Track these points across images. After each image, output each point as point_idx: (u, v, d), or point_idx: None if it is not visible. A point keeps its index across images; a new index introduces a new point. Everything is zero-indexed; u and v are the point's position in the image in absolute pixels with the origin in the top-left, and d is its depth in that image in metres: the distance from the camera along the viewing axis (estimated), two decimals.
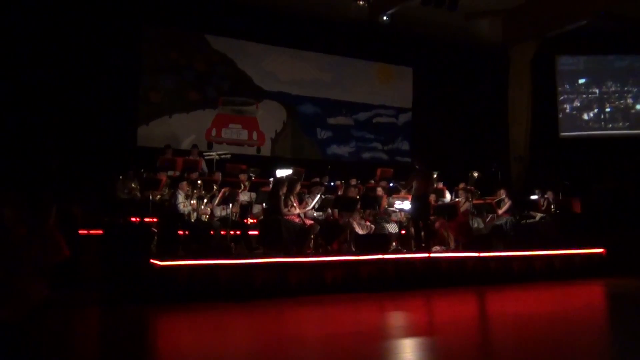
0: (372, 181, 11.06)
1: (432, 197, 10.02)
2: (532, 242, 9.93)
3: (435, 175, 10.29)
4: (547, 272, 9.64)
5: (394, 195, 10.05)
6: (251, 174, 10.04)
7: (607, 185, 14.12)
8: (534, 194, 11.41)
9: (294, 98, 13.88)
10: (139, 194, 9.13)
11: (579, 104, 15.91)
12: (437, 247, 9.37)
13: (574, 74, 15.94)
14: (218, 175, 9.90)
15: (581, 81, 15.90)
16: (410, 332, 5.85)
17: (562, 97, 15.89)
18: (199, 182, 8.54)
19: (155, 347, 5.32)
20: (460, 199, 10.47)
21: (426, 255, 8.69)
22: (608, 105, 15.79)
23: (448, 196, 10.76)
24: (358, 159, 14.48)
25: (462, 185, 10.89)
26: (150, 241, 7.85)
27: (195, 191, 8.38)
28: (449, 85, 15.29)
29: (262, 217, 8.85)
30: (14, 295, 4.01)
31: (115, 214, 8.71)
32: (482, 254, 9.10)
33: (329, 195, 9.33)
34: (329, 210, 9.33)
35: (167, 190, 9.12)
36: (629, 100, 15.75)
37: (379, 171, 11.16)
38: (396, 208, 9.90)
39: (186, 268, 7.12)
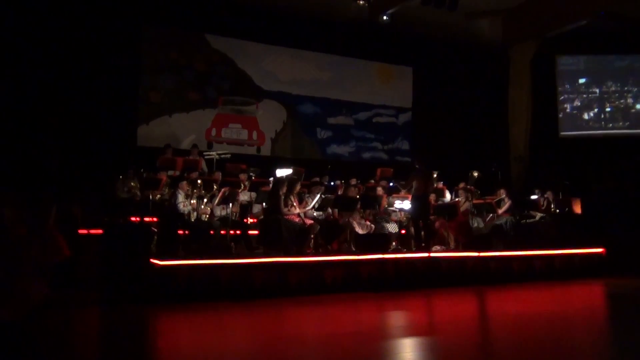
0: (372, 181, 11.05)
1: (432, 197, 10.03)
2: (532, 242, 9.94)
3: (435, 175, 10.31)
4: (547, 271, 9.64)
5: (394, 195, 10.05)
6: (251, 174, 10.04)
7: (607, 185, 14.12)
8: (534, 194, 11.43)
9: (294, 98, 13.88)
10: (139, 194, 9.14)
11: (579, 104, 15.90)
12: (437, 247, 9.36)
13: (574, 73, 15.93)
14: (218, 175, 9.89)
15: (581, 81, 15.90)
16: (410, 332, 5.84)
17: (562, 97, 15.88)
18: (199, 181, 8.53)
19: (155, 347, 5.32)
20: (460, 199, 10.47)
21: (426, 255, 8.68)
22: (608, 105, 15.79)
23: (448, 196, 10.77)
24: (358, 159, 14.48)
25: (462, 185, 10.89)
26: (150, 241, 7.83)
27: (195, 191, 8.37)
28: (449, 85, 15.30)
29: (262, 217, 8.84)
30: (14, 295, 4.01)
31: (115, 214, 8.69)
32: (482, 254, 9.11)
33: (329, 195, 9.32)
34: (329, 210, 9.33)
35: (167, 190, 9.12)
36: (629, 100, 15.74)
37: (379, 171, 11.16)
38: (396, 208, 9.91)
39: (186, 268, 7.13)
